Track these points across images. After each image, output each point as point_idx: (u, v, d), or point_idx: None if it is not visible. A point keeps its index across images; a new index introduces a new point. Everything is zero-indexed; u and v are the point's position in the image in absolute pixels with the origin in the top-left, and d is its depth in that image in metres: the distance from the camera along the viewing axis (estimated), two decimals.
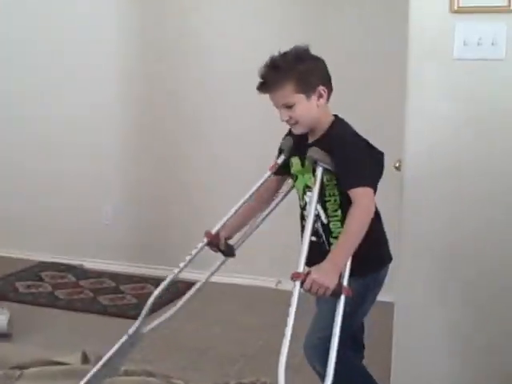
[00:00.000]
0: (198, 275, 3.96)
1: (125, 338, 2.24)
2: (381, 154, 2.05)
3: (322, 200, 1.98)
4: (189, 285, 3.87)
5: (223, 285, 3.88)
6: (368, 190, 1.92)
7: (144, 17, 4.13)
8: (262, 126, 3.98)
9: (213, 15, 3.98)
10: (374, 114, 3.60)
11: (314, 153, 1.94)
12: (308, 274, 1.83)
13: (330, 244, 2.02)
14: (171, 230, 4.17)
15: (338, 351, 1.81)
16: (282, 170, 2.13)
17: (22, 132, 4.40)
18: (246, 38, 3.90)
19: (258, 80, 1.96)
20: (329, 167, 1.93)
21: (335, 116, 2.05)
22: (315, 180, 1.92)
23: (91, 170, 4.30)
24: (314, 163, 1.94)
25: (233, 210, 2.17)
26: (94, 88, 4.22)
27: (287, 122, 2.00)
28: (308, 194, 2.02)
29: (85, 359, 2.72)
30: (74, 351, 2.81)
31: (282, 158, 2.10)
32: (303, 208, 2.09)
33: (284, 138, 2.13)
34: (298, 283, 1.84)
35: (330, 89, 2.01)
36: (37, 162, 4.39)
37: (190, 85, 4.04)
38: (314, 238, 1.99)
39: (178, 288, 3.90)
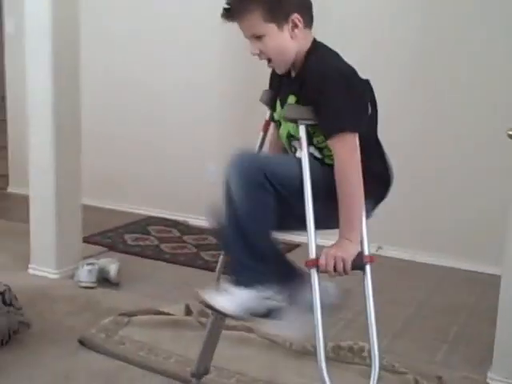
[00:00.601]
0: (298, 236, 4.05)
1: None
2: (365, 82, 1.75)
3: (314, 146, 1.74)
4: (291, 246, 3.96)
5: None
6: (346, 137, 1.65)
7: None
8: None
9: None
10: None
11: (291, 112, 1.71)
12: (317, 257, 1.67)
13: None
14: None
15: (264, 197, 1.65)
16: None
17: (133, 95, 4.54)
18: None
19: None
20: (311, 122, 1.69)
21: (313, 43, 1.76)
22: (301, 141, 1.70)
23: (196, 129, 4.39)
24: (294, 122, 1.72)
25: None
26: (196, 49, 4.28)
27: (259, 57, 1.74)
28: (293, 143, 1.79)
29: (188, 311, 2.82)
30: (177, 303, 2.91)
31: (269, 112, 1.88)
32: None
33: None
34: (313, 271, 1.67)
35: (308, 16, 1.73)
36: (147, 125, 4.53)
37: None
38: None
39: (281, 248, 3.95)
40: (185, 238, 4.10)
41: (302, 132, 1.70)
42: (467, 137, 3.69)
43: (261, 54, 1.73)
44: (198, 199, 4.40)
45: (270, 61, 1.75)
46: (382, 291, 3.26)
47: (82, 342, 2.57)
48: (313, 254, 1.68)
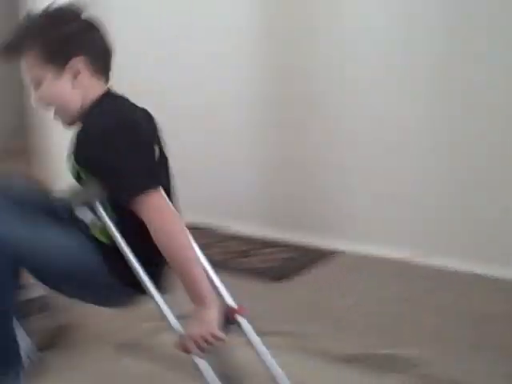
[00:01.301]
0: (338, 244, 4.00)
1: None
2: (150, 129, 1.53)
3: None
4: (322, 252, 3.94)
5: (363, 256, 3.89)
6: (149, 198, 1.43)
7: None
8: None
9: None
10: None
11: (77, 197, 1.48)
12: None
13: None
14: (312, 197, 4.14)
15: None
16: None
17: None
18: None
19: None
20: (100, 195, 1.46)
21: (102, 95, 1.51)
22: (101, 218, 1.48)
23: (219, 136, 4.37)
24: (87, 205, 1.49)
25: None
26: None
27: (40, 107, 1.50)
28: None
29: None
30: None
31: None
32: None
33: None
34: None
35: (101, 62, 1.50)
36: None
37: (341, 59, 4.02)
38: None
39: (310, 256, 3.91)
40: (225, 244, 4.10)
41: (100, 211, 1.47)
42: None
43: (40, 104, 1.48)
44: (237, 205, 4.39)
45: (52, 111, 1.49)
46: (416, 300, 3.27)
47: (124, 345, 2.62)
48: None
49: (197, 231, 4.23)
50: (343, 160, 4.05)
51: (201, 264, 1.57)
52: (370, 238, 3.96)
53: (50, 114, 1.47)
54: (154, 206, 1.46)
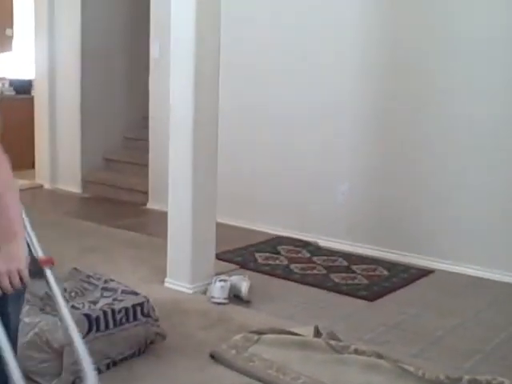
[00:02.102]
0: (429, 262, 3.95)
1: None
2: None
3: None
4: (422, 271, 3.85)
5: (467, 277, 3.79)
6: None
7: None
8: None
9: None
10: None
11: None
12: None
13: None
14: (407, 214, 4.09)
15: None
16: None
17: (267, 116, 4.63)
18: None
19: None
20: None
21: None
22: None
23: (326, 150, 4.39)
24: None
25: None
26: (333, 78, 4.29)
27: None
28: None
29: (317, 333, 2.80)
30: (306, 324, 2.90)
31: None
32: None
33: None
34: None
35: None
36: (280, 147, 4.60)
37: (443, 74, 3.92)
38: None
39: (411, 273, 3.85)
40: (314, 258, 4.09)
41: None
42: None
43: None
44: (328, 220, 4.41)
45: None
46: (430, 305, 3.09)
47: (212, 357, 2.63)
48: None
49: (295, 242, 4.27)
50: (449, 183, 3.94)
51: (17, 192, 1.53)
52: (471, 259, 3.84)
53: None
54: None
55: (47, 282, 1.59)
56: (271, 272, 3.82)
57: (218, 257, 3.69)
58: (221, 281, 3.26)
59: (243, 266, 3.87)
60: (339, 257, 4.12)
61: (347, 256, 4.13)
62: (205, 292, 3.33)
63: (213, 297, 3.25)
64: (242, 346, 2.68)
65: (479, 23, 3.76)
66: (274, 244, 4.35)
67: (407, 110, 4.06)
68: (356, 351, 2.59)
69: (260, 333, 2.77)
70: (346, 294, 3.50)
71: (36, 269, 1.57)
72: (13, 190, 1.53)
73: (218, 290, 3.23)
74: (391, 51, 4.09)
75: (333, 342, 2.64)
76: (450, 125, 3.90)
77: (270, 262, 3.99)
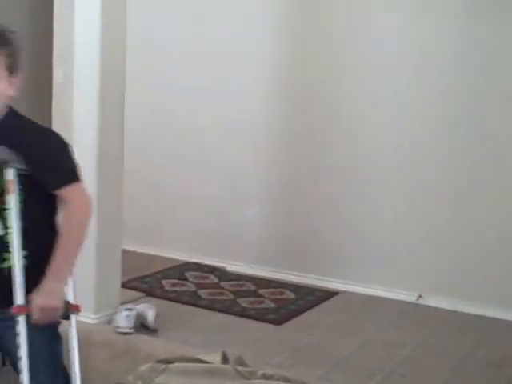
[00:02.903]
0: (334, 284, 4.04)
1: None
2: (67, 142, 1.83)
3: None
4: (327, 293, 3.93)
5: (370, 297, 3.89)
6: (81, 186, 1.77)
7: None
8: (409, 142, 3.90)
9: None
10: None
11: (2, 154, 1.67)
12: (29, 302, 1.66)
13: (3, 260, 1.72)
14: (312, 237, 4.18)
15: None
16: None
17: (174, 141, 4.60)
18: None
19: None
20: (21, 167, 1.69)
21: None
22: (8, 186, 1.66)
23: (234, 174, 4.42)
24: (2, 164, 1.68)
25: None
26: (240, 103, 4.35)
27: None
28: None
29: (225, 359, 2.79)
30: (214, 350, 2.89)
31: None
32: None
33: None
34: (22, 319, 1.64)
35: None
36: (190, 167, 4.59)
37: (344, 95, 4.05)
38: None
39: (317, 296, 3.92)
40: (222, 284, 4.09)
41: (12, 175, 1.69)
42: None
43: None
44: (235, 245, 4.43)
45: None
46: (424, 342, 3.22)
47: None
48: (22, 300, 1.67)
49: (202, 267, 4.25)
50: (350, 204, 4.07)
51: (76, 257, 1.75)
52: (374, 280, 3.96)
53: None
54: (84, 193, 1.80)
55: (70, 326, 1.77)
56: (178, 299, 3.78)
57: (124, 285, 3.61)
58: (126, 310, 3.19)
59: (150, 293, 3.81)
60: (247, 281, 4.14)
61: (254, 280, 4.16)
62: (110, 322, 3.24)
63: (118, 326, 3.17)
64: (149, 376, 2.62)
65: (390, 37, 3.90)
66: (181, 270, 4.31)
67: (314, 131, 4.16)
68: (264, 376, 2.60)
69: (167, 362, 2.72)
70: (254, 318, 3.52)
71: (64, 312, 1.74)
72: (79, 242, 1.75)
73: (124, 320, 3.16)
74: (302, 67, 4.18)
75: (240, 368, 2.64)
76: (358, 147, 4.03)
77: (177, 289, 3.95)
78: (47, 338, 1.79)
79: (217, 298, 3.83)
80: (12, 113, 1.78)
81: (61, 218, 1.76)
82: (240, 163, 4.39)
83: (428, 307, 3.76)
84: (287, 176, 4.27)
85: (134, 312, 3.21)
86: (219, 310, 3.63)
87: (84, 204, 1.78)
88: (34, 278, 1.70)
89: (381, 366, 2.92)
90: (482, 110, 3.70)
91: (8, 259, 1.72)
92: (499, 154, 3.68)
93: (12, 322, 1.68)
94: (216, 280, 4.15)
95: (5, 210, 1.71)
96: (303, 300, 3.85)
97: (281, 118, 4.25)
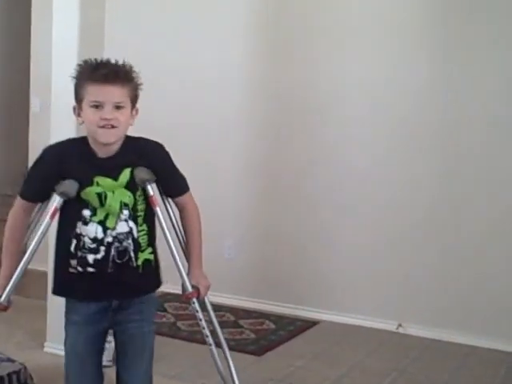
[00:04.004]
0: (314, 313, 4.03)
1: None
2: None
3: (133, 215, 1.97)
4: (308, 323, 3.91)
5: (350, 326, 3.88)
6: (191, 193, 2.10)
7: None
8: (390, 167, 3.94)
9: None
10: None
11: (143, 173, 1.95)
12: (194, 286, 2.08)
13: (137, 259, 2.01)
14: (292, 268, 4.17)
15: None
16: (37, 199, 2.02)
17: None
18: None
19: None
20: (154, 183, 1.98)
21: None
22: (151, 198, 1.96)
23: (212, 203, 4.41)
24: (144, 183, 1.96)
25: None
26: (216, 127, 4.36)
27: (107, 121, 1.90)
28: (124, 212, 1.96)
29: None
30: (194, 382, 2.85)
31: (61, 200, 1.94)
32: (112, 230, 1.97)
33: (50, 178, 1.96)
34: (195, 300, 2.10)
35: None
36: None
37: (313, 121, 4.09)
38: (118, 261, 1.97)
39: (297, 325, 3.90)
40: (201, 314, 4.03)
41: (152, 190, 1.97)
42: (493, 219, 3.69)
43: (112, 120, 1.90)
44: (215, 275, 4.38)
45: (112, 127, 1.91)
46: (404, 371, 3.22)
47: None
48: (189, 288, 2.10)
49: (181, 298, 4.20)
50: (330, 234, 4.08)
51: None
52: (354, 309, 3.96)
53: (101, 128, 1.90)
54: (193, 199, 2.13)
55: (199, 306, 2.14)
56: (158, 330, 3.69)
57: None
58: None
59: None
60: (226, 312, 4.11)
61: (234, 311, 4.13)
62: None
63: None
64: None
65: (365, 63, 3.96)
66: (160, 301, 4.26)
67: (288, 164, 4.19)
68: None
69: None
70: (234, 349, 3.47)
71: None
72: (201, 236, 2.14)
73: None
74: (275, 90, 4.21)
75: None
76: (337, 173, 4.05)
77: (157, 320, 3.88)
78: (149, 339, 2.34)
79: (196, 329, 3.75)
80: (127, 136, 2.00)
81: (185, 220, 2.08)
82: (219, 194, 4.39)
83: (408, 336, 3.76)
84: (266, 205, 4.27)
85: (113, 344, 3.15)
86: (199, 342, 3.57)
87: (197, 207, 2.11)
88: (156, 271, 2.12)
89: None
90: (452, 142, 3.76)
91: (140, 257, 2.02)
92: (470, 190, 3.72)
93: (133, 308, 2.09)
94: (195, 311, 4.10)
95: (138, 216, 1.99)
96: (284, 330, 3.83)
97: (256, 149, 4.27)
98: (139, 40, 4.57)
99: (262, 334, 3.73)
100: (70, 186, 1.92)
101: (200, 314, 2.14)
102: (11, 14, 5.78)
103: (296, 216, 4.17)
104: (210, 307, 2.25)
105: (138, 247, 2.00)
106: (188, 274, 2.10)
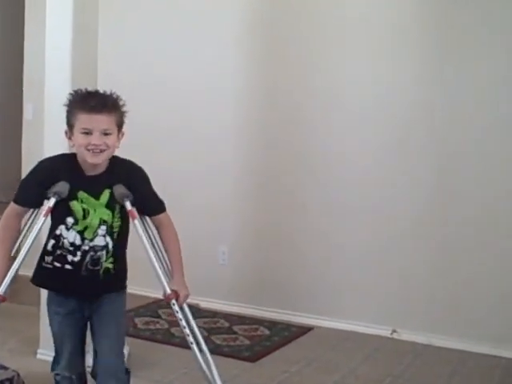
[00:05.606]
0: (309, 319, 4.03)
1: None
2: None
3: (110, 231, 2.18)
4: (302, 329, 3.91)
5: (344, 332, 3.88)
6: (167, 214, 2.29)
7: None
8: (380, 173, 3.94)
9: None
10: None
11: (122, 189, 2.13)
12: (174, 291, 2.23)
13: (103, 270, 2.20)
14: (287, 274, 4.16)
15: None
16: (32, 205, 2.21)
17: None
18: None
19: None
20: (132, 200, 2.14)
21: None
22: (131, 211, 2.14)
23: (207, 210, 4.41)
24: (123, 199, 2.13)
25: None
26: (211, 136, 4.37)
27: (96, 146, 2.09)
28: (102, 227, 2.16)
29: None
30: None
31: (53, 200, 2.12)
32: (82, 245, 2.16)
33: (45, 182, 2.16)
34: (175, 302, 2.24)
35: None
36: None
37: (307, 130, 4.09)
38: (91, 267, 2.17)
39: (291, 331, 3.90)
40: (196, 321, 4.02)
41: (129, 206, 2.14)
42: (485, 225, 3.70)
43: (101, 145, 2.09)
44: (209, 281, 4.38)
45: (100, 151, 2.11)
46: (399, 376, 3.21)
47: None
48: (168, 290, 2.25)
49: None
50: (324, 240, 4.08)
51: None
52: (349, 315, 3.95)
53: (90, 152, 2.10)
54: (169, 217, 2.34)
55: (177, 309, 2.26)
56: (151, 337, 3.72)
57: None
58: None
59: None
60: (220, 318, 4.10)
61: (228, 317, 4.12)
62: None
63: (89, 366, 3.09)
64: None
65: (364, 63, 3.96)
66: (154, 308, 4.25)
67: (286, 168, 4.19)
68: None
69: None
70: (228, 355, 3.47)
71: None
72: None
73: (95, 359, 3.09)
74: (270, 104, 4.22)
75: None
76: (324, 185, 4.06)
77: (151, 327, 3.89)
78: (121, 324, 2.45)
79: None
80: (113, 157, 2.19)
81: (162, 235, 2.28)
82: (214, 200, 4.38)
83: (402, 341, 3.75)
84: (260, 211, 4.27)
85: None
86: None
87: (173, 225, 2.32)
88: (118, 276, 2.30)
89: None
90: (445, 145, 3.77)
91: (102, 267, 2.20)
92: (464, 194, 3.73)
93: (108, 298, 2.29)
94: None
95: (114, 232, 2.19)
96: (278, 336, 3.82)
97: (252, 160, 4.28)
98: (134, 44, 4.59)
99: (257, 340, 3.73)
100: (62, 186, 2.11)
101: (180, 315, 2.27)
102: (4, 21, 5.77)
103: (290, 223, 4.17)
104: (190, 316, 2.35)
105: (106, 259, 2.21)
106: (170, 280, 2.29)
